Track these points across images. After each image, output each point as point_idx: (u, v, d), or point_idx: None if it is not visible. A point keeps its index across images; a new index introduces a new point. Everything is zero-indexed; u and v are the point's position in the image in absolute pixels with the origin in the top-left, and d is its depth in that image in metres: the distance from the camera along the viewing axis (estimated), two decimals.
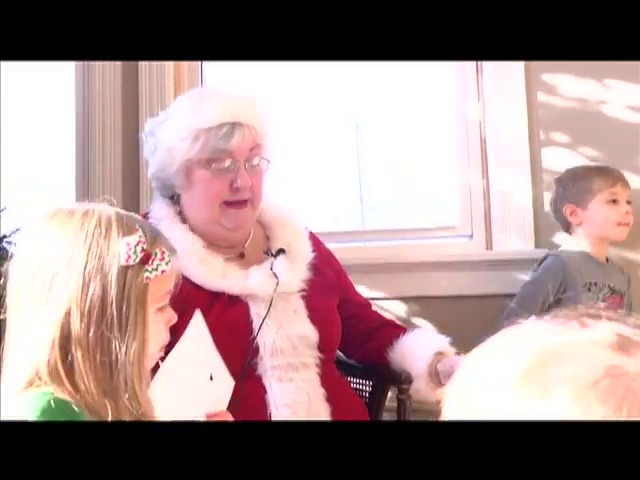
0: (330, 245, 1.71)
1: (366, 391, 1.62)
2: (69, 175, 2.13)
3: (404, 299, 2.11)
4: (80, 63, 2.11)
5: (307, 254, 1.51)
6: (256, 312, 1.39)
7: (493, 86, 2.10)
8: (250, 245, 1.50)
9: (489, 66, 2.10)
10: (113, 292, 0.90)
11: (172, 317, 1.03)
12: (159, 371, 1.09)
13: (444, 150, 2.23)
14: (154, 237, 0.97)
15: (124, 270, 0.91)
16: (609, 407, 0.40)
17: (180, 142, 1.39)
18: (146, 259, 0.93)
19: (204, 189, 1.42)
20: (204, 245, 1.42)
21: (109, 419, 0.88)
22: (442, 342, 1.46)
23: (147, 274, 0.93)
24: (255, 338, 1.37)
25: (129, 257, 0.91)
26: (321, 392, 1.41)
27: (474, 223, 2.14)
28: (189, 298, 1.34)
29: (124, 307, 0.91)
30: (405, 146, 2.29)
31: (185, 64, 2.10)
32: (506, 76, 2.08)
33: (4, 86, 1.88)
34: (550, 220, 2.03)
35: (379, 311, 1.71)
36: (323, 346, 1.44)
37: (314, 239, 1.58)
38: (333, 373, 1.49)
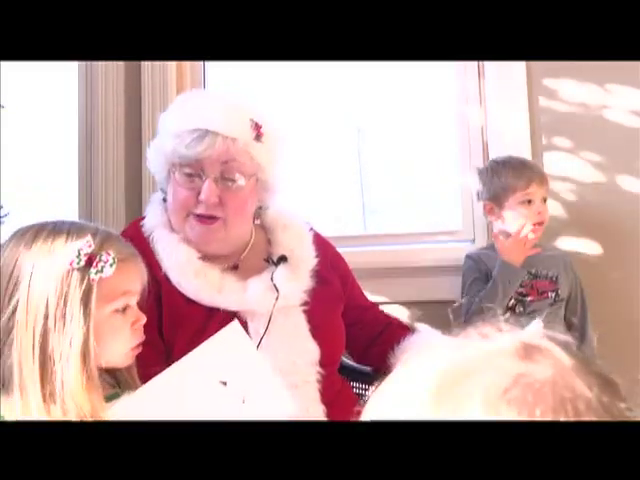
0: None
1: (368, 396, 1.60)
2: (71, 175, 2.13)
3: (406, 304, 2.10)
4: (83, 63, 2.11)
5: (310, 260, 1.44)
6: (255, 329, 1.32)
7: (495, 90, 2.10)
8: (249, 252, 1.44)
9: (491, 70, 2.11)
10: (56, 293, 0.97)
11: (139, 318, 1.08)
12: (162, 373, 1.08)
13: (446, 154, 2.24)
14: (104, 241, 1.04)
15: (69, 273, 0.99)
16: (522, 414, 0.41)
17: (161, 142, 1.36)
18: (90, 262, 1.00)
19: (173, 195, 1.36)
20: (199, 256, 1.35)
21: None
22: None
23: (92, 276, 1.00)
24: None
25: (72, 260, 0.99)
26: (321, 409, 1.35)
27: (476, 227, 2.14)
28: (184, 314, 1.31)
29: (67, 307, 0.97)
30: (407, 150, 2.29)
31: (187, 64, 2.09)
32: (507, 80, 2.08)
33: (5, 86, 1.89)
34: (550, 224, 2.03)
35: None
36: (325, 362, 1.38)
37: (319, 241, 1.51)
38: (334, 386, 1.42)
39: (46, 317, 0.96)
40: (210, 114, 1.32)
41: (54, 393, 0.95)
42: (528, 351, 0.45)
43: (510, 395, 0.42)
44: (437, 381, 0.44)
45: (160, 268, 1.33)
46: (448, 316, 2.01)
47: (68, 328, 0.97)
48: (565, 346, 0.46)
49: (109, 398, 1.05)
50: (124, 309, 1.06)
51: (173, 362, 1.29)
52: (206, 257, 1.35)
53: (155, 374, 1.30)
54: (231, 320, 1.29)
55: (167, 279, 1.32)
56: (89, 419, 0.96)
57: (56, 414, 0.94)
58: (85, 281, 0.99)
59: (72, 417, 0.95)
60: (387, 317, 1.62)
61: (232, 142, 1.31)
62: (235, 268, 1.40)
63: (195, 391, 1.07)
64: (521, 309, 1.82)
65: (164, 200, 1.43)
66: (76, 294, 0.98)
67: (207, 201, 1.31)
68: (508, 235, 1.88)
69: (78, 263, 0.99)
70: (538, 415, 0.41)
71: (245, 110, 1.37)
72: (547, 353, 0.45)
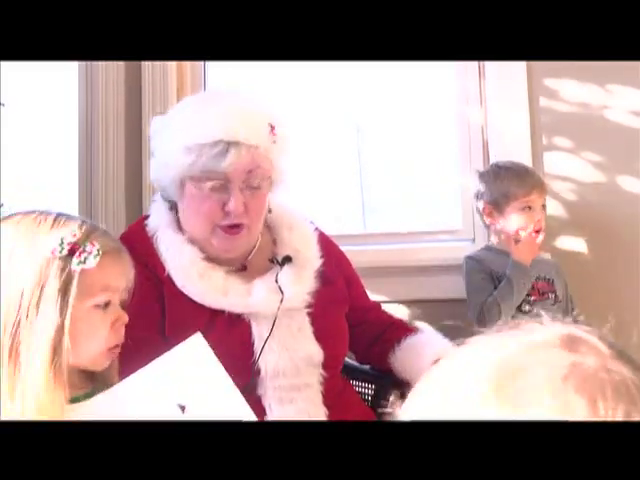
0: None
1: (369, 394, 1.61)
2: (72, 175, 2.13)
3: (406, 302, 2.10)
4: (83, 63, 2.11)
5: (315, 261, 1.43)
6: (258, 332, 1.32)
7: (495, 90, 2.10)
8: (255, 252, 1.43)
9: (491, 70, 2.11)
10: (34, 281, 0.92)
11: (120, 317, 1.03)
12: (115, 386, 1.02)
13: (446, 153, 2.24)
14: (90, 232, 0.99)
15: (50, 261, 0.94)
16: (585, 399, 0.43)
17: (173, 155, 1.30)
18: (73, 251, 0.95)
19: (195, 208, 1.32)
20: (204, 257, 1.33)
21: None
22: (441, 348, 1.39)
23: (73, 266, 0.95)
24: (256, 362, 1.30)
25: (55, 249, 0.94)
26: (322, 411, 1.34)
27: (476, 227, 2.14)
28: (188, 315, 1.30)
29: (42, 297, 0.92)
30: (407, 149, 2.29)
31: (188, 64, 2.09)
32: (508, 80, 2.08)
33: (5, 86, 1.88)
34: (551, 224, 2.04)
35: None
36: (328, 364, 1.37)
37: (324, 241, 1.50)
38: (337, 388, 1.42)
39: (19, 306, 0.92)
40: (230, 124, 1.28)
41: (16, 389, 0.90)
42: (572, 342, 0.46)
43: (572, 382, 0.43)
44: (494, 378, 0.45)
45: (164, 269, 1.32)
46: (449, 315, 2.03)
47: (41, 320, 0.92)
48: (601, 337, 0.48)
49: (85, 397, 1.01)
50: (105, 306, 1.01)
51: None
52: (210, 258, 1.34)
53: None
54: (235, 322, 1.30)
55: (171, 280, 1.32)
56: (48, 419, 0.90)
57: (15, 412, 0.90)
58: (66, 271, 0.94)
59: (30, 416, 0.90)
60: (390, 317, 1.61)
61: (255, 150, 1.29)
62: (244, 269, 1.40)
63: (149, 407, 1.00)
64: (527, 307, 1.84)
65: (170, 209, 1.40)
66: (54, 284, 0.93)
67: (236, 211, 1.30)
68: (509, 236, 1.89)
69: (60, 252, 0.95)
70: (599, 399, 0.42)
71: (262, 114, 1.34)
72: (588, 344, 0.47)
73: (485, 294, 1.84)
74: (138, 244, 1.31)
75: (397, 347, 1.47)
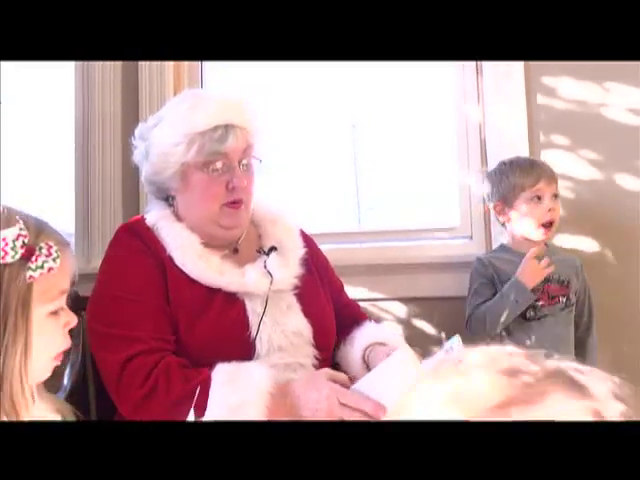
0: (327, 246, 1.71)
1: None
2: (69, 176, 2.13)
3: (404, 300, 2.11)
4: (80, 63, 2.10)
5: (299, 250, 1.54)
6: (252, 309, 1.41)
7: (493, 88, 2.10)
8: (243, 243, 1.52)
9: (489, 67, 2.10)
10: None
11: (71, 320, 0.92)
12: None
13: (443, 151, 2.23)
14: (39, 229, 0.86)
15: (1, 269, 0.80)
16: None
17: (175, 146, 1.41)
18: (28, 255, 0.82)
19: (202, 191, 1.44)
20: (201, 242, 1.44)
21: None
22: (374, 337, 1.46)
23: (30, 272, 0.82)
24: (255, 337, 1.38)
25: (6, 254, 0.80)
26: None
27: (474, 224, 2.14)
28: (186, 293, 1.39)
29: (2, 311, 0.79)
30: (403, 147, 2.28)
31: (185, 64, 2.09)
32: (506, 78, 2.07)
33: (4, 84, 1.88)
34: None
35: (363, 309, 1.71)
36: (318, 342, 1.45)
37: (304, 235, 1.60)
38: None
39: None
40: (224, 111, 1.43)
41: None
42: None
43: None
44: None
45: (164, 250, 1.42)
46: (446, 313, 2.03)
47: (4, 336, 0.80)
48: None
49: None
50: (57, 310, 0.89)
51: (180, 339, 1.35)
52: (207, 244, 1.44)
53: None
54: (231, 300, 1.41)
55: (171, 259, 1.41)
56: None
57: None
58: (22, 279, 0.81)
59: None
60: (363, 315, 1.64)
61: (246, 131, 1.45)
62: (235, 252, 1.50)
63: None
64: (532, 314, 1.81)
65: (166, 199, 1.50)
66: (12, 295, 0.80)
67: (240, 185, 1.43)
68: (519, 236, 1.89)
69: (13, 257, 0.81)
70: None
71: (241, 101, 1.49)
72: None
73: (479, 299, 1.85)
74: (138, 231, 1.45)
75: (342, 343, 1.52)
